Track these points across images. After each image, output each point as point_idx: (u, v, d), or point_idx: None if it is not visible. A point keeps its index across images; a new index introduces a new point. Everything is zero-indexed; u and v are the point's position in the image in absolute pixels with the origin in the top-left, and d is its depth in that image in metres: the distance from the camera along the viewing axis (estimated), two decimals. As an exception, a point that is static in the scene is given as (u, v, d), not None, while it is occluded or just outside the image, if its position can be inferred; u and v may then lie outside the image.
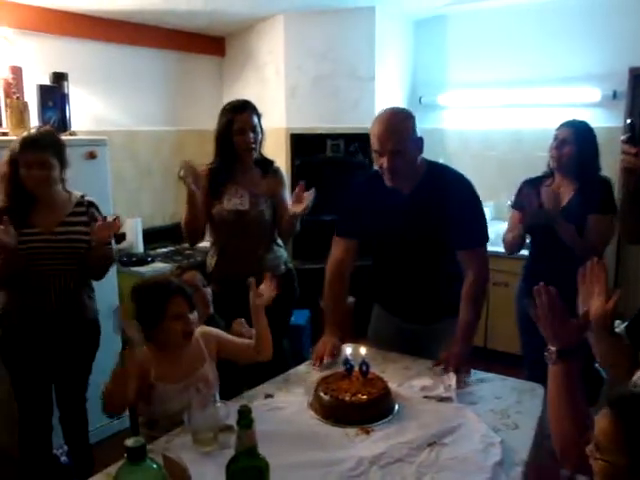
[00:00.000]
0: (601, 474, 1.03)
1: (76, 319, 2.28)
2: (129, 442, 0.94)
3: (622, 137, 1.85)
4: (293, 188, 2.58)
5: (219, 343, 1.86)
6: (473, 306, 2.03)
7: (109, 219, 2.26)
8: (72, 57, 3.34)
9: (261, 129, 2.54)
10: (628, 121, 1.88)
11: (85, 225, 2.25)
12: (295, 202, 2.38)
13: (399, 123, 1.94)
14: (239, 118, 2.47)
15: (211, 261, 2.66)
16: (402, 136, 1.91)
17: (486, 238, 2.10)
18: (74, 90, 3.20)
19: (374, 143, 1.95)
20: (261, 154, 2.61)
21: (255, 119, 2.50)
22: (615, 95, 3.76)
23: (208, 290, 2.21)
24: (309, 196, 2.33)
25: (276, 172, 2.63)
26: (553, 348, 1.39)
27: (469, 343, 2.00)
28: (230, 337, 1.91)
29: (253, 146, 2.49)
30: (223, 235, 2.55)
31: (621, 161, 1.84)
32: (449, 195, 2.00)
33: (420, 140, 1.99)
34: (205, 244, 2.84)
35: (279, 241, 2.65)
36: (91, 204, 2.33)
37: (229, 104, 2.55)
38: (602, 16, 3.77)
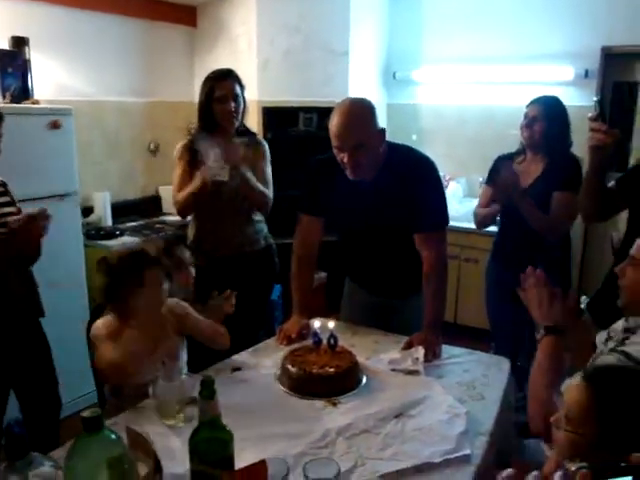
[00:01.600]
0: (567, 445, 1.04)
1: (33, 304, 2.19)
2: (85, 413, 0.91)
3: (589, 115, 1.85)
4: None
5: (183, 318, 1.81)
6: (437, 294, 2.00)
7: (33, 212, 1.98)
8: (34, 21, 3.19)
9: (244, 100, 2.51)
10: (595, 99, 1.88)
11: (11, 205, 2.09)
12: None
13: (358, 118, 1.84)
14: (220, 86, 2.44)
15: (190, 233, 2.64)
16: (362, 132, 1.83)
17: (446, 221, 2.06)
18: (35, 56, 3.08)
19: (333, 139, 1.86)
20: (244, 125, 2.57)
21: (237, 88, 2.47)
22: (587, 74, 3.78)
23: (192, 270, 2.17)
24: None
25: (258, 144, 2.60)
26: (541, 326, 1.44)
27: (437, 330, 1.97)
28: (194, 316, 1.85)
29: (234, 115, 2.46)
30: (202, 206, 2.53)
31: (589, 139, 1.82)
32: (411, 178, 1.94)
33: (382, 132, 1.90)
34: (178, 217, 2.79)
35: (259, 215, 2.63)
36: (4, 183, 2.13)
37: (212, 72, 2.51)
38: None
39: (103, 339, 1.66)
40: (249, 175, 2.45)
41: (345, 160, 1.86)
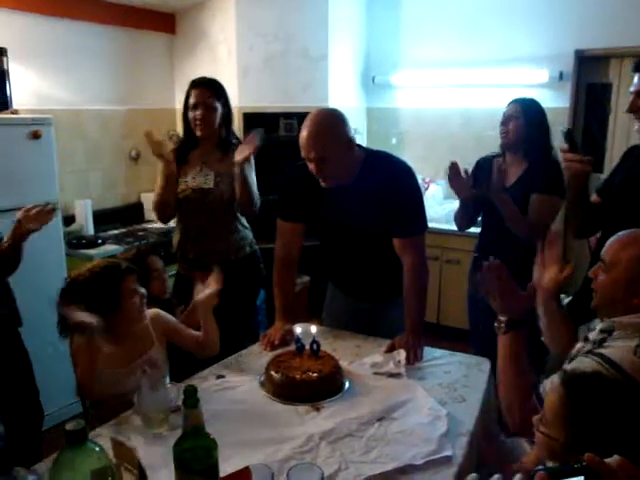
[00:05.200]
0: (540, 445, 1.08)
1: (10, 314, 2.18)
2: (68, 425, 0.92)
3: (561, 146, 1.89)
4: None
5: (167, 329, 1.83)
6: (417, 297, 2.01)
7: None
8: (11, 31, 3.17)
9: (228, 108, 2.54)
10: (562, 129, 1.88)
11: None
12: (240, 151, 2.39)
13: (323, 130, 1.87)
14: (193, 93, 2.47)
15: (175, 241, 2.64)
16: (325, 144, 1.86)
17: (424, 227, 2.08)
18: (14, 67, 3.06)
19: (301, 150, 1.91)
20: (233, 133, 2.60)
21: (210, 95, 2.47)
22: (562, 76, 3.84)
23: (166, 278, 2.18)
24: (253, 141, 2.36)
25: None
26: (503, 318, 1.46)
27: (419, 332, 1.99)
28: (180, 326, 1.87)
29: (202, 122, 2.45)
30: (187, 214, 2.54)
31: (566, 168, 1.89)
32: (389, 184, 1.97)
33: (350, 142, 1.93)
34: (160, 225, 2.80)
35: (244, 222, 2.64)
36: None
37: (194, 80, 2.55)
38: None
39: (83, 355, 1.65)
40: (250, 175, 2.46)
41: (314, 171, 1.91)
